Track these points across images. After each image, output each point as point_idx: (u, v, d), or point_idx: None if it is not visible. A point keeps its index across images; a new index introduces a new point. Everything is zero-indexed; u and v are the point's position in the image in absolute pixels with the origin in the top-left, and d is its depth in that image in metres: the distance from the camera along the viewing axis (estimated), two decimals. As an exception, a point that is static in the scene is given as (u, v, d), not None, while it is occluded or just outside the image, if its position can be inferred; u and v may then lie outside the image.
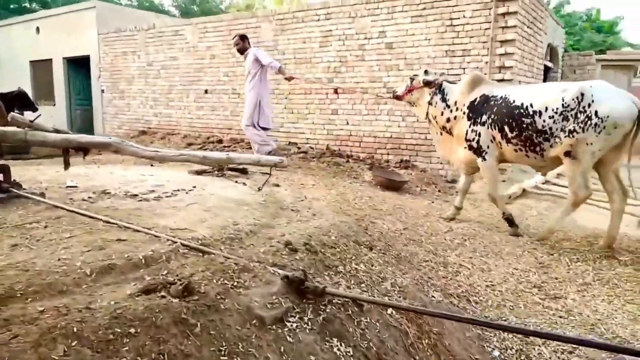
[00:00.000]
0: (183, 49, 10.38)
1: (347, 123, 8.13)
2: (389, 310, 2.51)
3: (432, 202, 5.78)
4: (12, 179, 4.09)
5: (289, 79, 6.95)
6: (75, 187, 4.95)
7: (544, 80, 8.74)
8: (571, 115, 4.21)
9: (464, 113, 4.87)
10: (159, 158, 4.39)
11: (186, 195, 4.58)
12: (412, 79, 5.43)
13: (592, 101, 4.15)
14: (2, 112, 8.49)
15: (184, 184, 5.21)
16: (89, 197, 4.36)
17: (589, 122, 4.13)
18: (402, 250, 3.72)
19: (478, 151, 4.82)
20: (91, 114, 13.27)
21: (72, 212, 3.45)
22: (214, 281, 2.23)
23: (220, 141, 9.24)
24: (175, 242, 2.83)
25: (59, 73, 13.43)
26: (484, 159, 4.80)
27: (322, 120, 8.49)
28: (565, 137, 4.24)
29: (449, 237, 4.41)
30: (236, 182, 5.69)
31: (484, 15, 6.71)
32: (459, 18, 6.91)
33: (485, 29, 6.72)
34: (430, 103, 5.17)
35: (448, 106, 5.03)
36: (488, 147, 4.75)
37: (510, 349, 2.87)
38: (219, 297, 2.11)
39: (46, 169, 6.17)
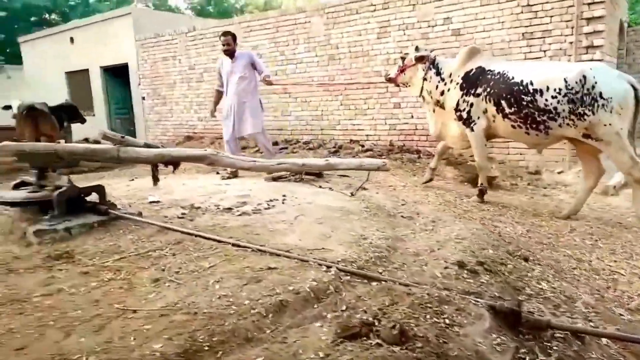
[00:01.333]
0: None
1: (412, 116, 7.72)
2: (604, 341, 2.14)
3: (532, 197, 5.36)
4: (106, 199, 3.83)
5: (269, 83, 6.46)
6: (158, 202, 4.69)
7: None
8: (577, 98, 4.22)
9: (457, 84, 4.90)
10: (257, 168, 4.08)
11: (285, 206, 4.27)
12: (403, 58, 5.46)
13: (595, 83, 4.18)
14: (54, 125, 8.33)
15: (270, 192, 4.90)
16: (183, 214, 4.08)
17: (596, 104, 4.16)
18: (545, 257, 3.32)
19: (467, 121, 4.88)
20: (131, 122, 13.12)
21: (189, 235, 3.16)
22: (421, 319, 1.88)
23: (275, 143, 8.92)
24: (330, 267, 2.49)
25: (96, 83, 13.30)
26: (472, 130, 4.87)
27: (383, 115, 8.10)
28: (578, 120, 4.25)
29: (578, 238, 4.00)
30: (320, 187, 5.36)
31: (566, -9, 6.22)
32: (536, -4, 6.44)
33: (569, 6, 6.21)
34: (424, 78, 5.18)
35: (442, 79, 5.07)
36: (479, 117, 4.81)
37: None
38: (440, 340, 1.76)
39: (113, 182, 5.95)
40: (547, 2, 6.37)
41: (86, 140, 11.28)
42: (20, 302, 2.27)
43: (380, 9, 7.83)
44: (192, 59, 10.79)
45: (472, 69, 4.87)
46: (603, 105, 4.14)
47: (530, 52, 6.54)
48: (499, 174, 5.94)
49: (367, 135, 8.35)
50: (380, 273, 2.54)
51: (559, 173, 6.36)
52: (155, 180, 4.18)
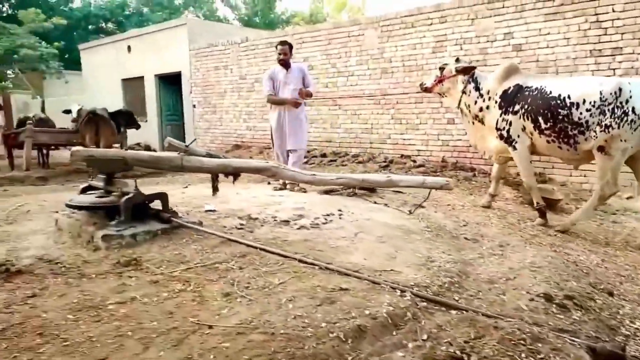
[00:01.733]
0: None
1: (466, 133, 7.51)
2: None
3: (600, 224, 5.06)
4: (169, 207, 3.87)
5: (307, 94, 6.18)
6: (214, 211, 4.72)
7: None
8: (608, 109, 4.22)
9: (496, 102, 4.88)
10: (318, 182, 4.04)
11: (342, 222, 4.19)
12: (441, 69, 5.40)
13: (630, 97, 4.16)
14: (113, 130, 8.63)
15: (324, 206, 4.84)
16: (241, 225, 4.07)
17: (625, 118, 4.15)
18: (629, 292, 3.09)
19: (508, 140, 4.85)
20: (181, 128, 13.45)
21: (254, 248, 3.13)
22: (516, 358, 1.75)
23: (324, 155, 8.91)
24: (404, 291, 2.39)
25: (150, 90, 13.74)
26: (515, 148, 4.83)
27: (436, 131, 7.93)
28: (600, 131, 4.25)
29: (658, 270, 3.71)
30: (375, 202, 5.26)
31: (638, 8, 5.90)
32: (606, 13, 6.14)
33: (642, 23, 5.91)
34: (464, 92, 5.14)
35: (481, 95, 5.04)
36: (519, 136, 4.78)
37: None
38: (540, 383, 1.63)
39: (168, 189, 6.05)
40: (618, 19, 6.08)
41: (138, 145, 11.63)
42: (96, 309, 2.29)
43: (437, 22, 7.71)
44: (244, 69, 10.97)
45: (509, 87, 4.85)
46: (632, 121, 4.15)
47: (599, 69, 6.24)
48: (562, 197, 5.66)
49: (418, 150, 8.19)
50: (457, 301, 2.42)
51: (627, 198, 6.00)
52: (215, 190, 4.20)
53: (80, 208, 3.75)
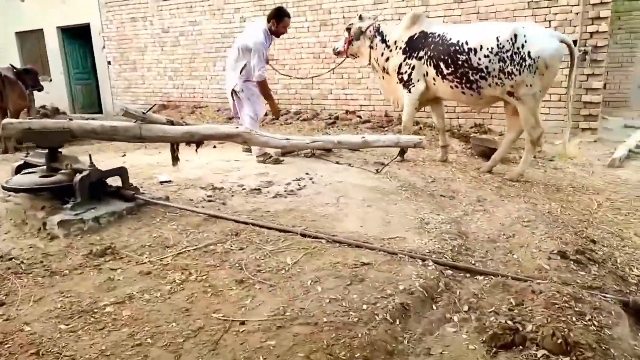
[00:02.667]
0: (206, 12, 9.39)
1: (379, 89, 7.54)
2: None
3: (545, 171, 5.37)
4: (129, 182, 3.46)
5: None
6: (169, 182, 4.34)
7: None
8: (507, 56, 4.33)
9: (401, 48, 4.98)
10: (292, 147, 3.80)
11: (317, 186, 4.03)
12: (348, 29, 5.42)
13: (525, 42, 4.28)
14: (22, 92, 7.50)
15: (290, 170, 4.62)
16: (209, 197, 3.77)
17: (523, 64, 4.28)
18: (602, 238, 3.30)
19: (407, 83, 4.97)
20: (94, 88, 12.16)
21: (244, 224, 2.87)
22: (569, 322, 1.76)
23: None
24: (425, 260, 2.32)
25: (53, 45, 12.12)
26: (410, 91, 4.96)
27: (378, 85, 7.85)
28: (505, 78, 4.37)
29: (609, 213, 4.02)
30: (337, 163, 5.13)
31: (575, -40, 6.11)
32: (543, -36, 6.30)
33: (576, -24, 6.15)
34: (371, 47, 5.21)
35: (388, 46, 5.13)
36: (418, 80, 4.91)
37: None
38: (602, 347, 1.65)
39: (102, 158, 5.45)
40: (554, -29, 6.26)
41: (43, 108, 10.38)
42: (91, 313, 1.96)
43: (376, -28, 7.47)
44: (166, 21, 10.01)
45: (415, 34, 4.94)
46: (530, 65, 4.27)
47: (536, 21, 6.43)
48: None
49: (361, 105, 8.11)
50: (473, 264, 2.41)
51: (558, 144, 6.42)
52: (176, 160, 3.81)
53: (21, 191, 3.22)
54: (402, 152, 5.21)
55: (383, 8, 7.53)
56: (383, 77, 5.43)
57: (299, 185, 4.03)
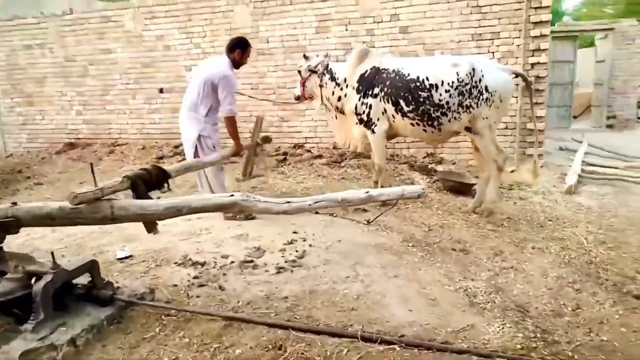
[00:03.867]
0: (121, 39, 8.37)
1: (332, 132, 7.31)
2: None
3: (515, 203, 5.38)
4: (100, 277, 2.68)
5: None
6: (130, 257, 3.57)
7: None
8: (466, 90, 4.36)
9: (354, 87, 4.77)
10: (294, 211, 3.24)
11: (319, 250, 3.50)
12: (299, 72, 5.19)
13: (482, 76, 4.37)
14: None
15: (270, 228, 4.05)
16: (197, 277, 3.10)
17: (481, 97, 4.37)
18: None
19: (368, 124, 4.77)
20: (-22, 125, 10.31)
21: (283, 329, 2.26)
22: None
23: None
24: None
25: None
26: (373, 132, 4.77)
27: (324, 116, 7.52)
28: (463, 112, 4.41)
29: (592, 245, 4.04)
30: (317, 213, 4.63)
31: (513, -5, 6.35)
32: (485, -2, 6.47)
33: (516, 9, 6.37)
34: (321, 86, 5.00)
35: (338, 84, 4.89)
36: (378, 119, 4.72)
37: None
38: None
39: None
40: (495, 4, 6.45)
41: None
42: None
43: (318, 0, 7.18)
44: (71, 49, 8.77)
45: (366, 70, 4.74)
46: (487, 98, 4.36)
47: (480, 53, 6.58)
48: (474, 181, 5.88)
49: (305, 137, 7.71)
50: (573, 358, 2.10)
51: (511, 172, 6.58)
52: (153, 226, 3.05)
53: (-53, 310, 2.30)
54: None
55: (326, 37, 7.25)
56: (336, 117, 5.14)
57: (297, 250, 3.49)
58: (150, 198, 2.97)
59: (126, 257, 3.56)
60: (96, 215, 2.61)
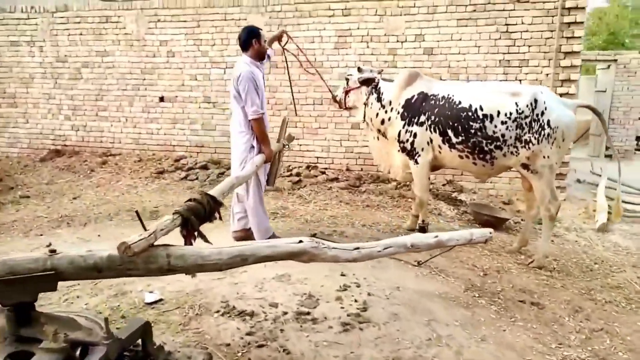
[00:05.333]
0: (120, 42, 7.79)
1: (371, 152, 6.97)
2: None
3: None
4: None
5: None
6: (159, 301, 3.10)
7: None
8: (525, 123, 3.99)
9: (398, 113, 4.46)
10: (364, 258, 2.84)
11: (381, 301, 3.10)
12: (347, 79, 4.88)
13: (545, 109, 4.00)
14: None
15: (317, 269, 3.61)
16: (249, 334, 2.64)
17: (542, 132, 3.98)
18: None
19: (411, 153, 4.44)
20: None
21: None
22: None
23: (204, 167, 7.23)
24: None
25: None
26: (417, 162, 4.42)
27: (339, 136, 7.16)
28: (521, 147, 4.03)
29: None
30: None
31: (546, 23, 6.16)
32: (516, 24, 6.25)
33: (547, 38, 6.19)
34: (365, 104, 4.68)
35: (383, 106, 4.56)
36: (422, 149, 4.38)
37: None
38: None
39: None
40: (526, 31, 6.26)
41: None
42: None
43: (339, 14, 6.84)
44: (63, 49, 8.13)
45: (413, 95, 4.41)
46: (548, 135, 3.98)
47: (507, 80, 6.37)
48: (509, 217, 5.60)
49: (317, 157, 7.31)
50: None
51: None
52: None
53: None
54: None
55: (345, 54, 6.91)
56: (377, 138, 4.84)
57: (356, 300, 3.08)
58: (204, 236, 2.53)
59: (156, 302, 3.08)
60: (151, 266, 2.15)
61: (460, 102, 4.19)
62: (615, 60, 10.53)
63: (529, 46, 6.29)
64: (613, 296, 3.71)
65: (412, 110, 4.38)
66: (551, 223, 4.29)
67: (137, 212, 2.26)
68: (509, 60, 6.39)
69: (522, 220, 5.71)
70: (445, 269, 3.80)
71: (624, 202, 6.71)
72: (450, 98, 4.25)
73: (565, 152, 4.33)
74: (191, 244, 2.51)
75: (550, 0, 6.12)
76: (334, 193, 6.05)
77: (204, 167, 7.16)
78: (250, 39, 3.92)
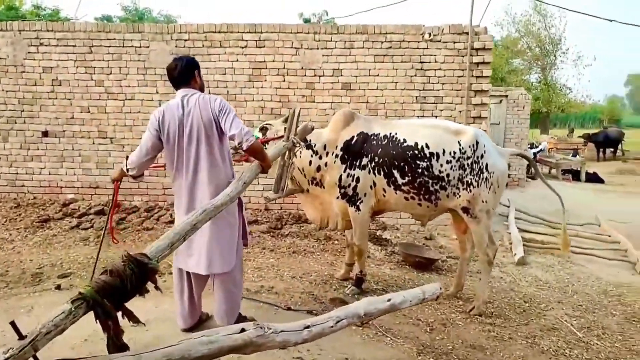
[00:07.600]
0: (-9, 68, 6.62)
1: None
2: None
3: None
4: None
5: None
6: None
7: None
8: (467, 164, 3.88)
9: (337, 156, 4.06)
10: (315, 337, 2.37)
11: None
12: (264, 129, 4.17)
13: (484, 152, 3.92)
14: None
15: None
16: None
17: (481, 175, 3.89)
18: None
19: (352, 199, 4.05)
20: None
21: None
22: None
23: (99, 211, 6.27)
24: None
25: None
26: (358, 209, 4.05)
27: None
28: (463, 189, 3.90)
29: (569, 320, 3.85)
30: (289, 309, 3.71)
31: (457, 62, 6.33)
32: (429, 62, 6.34)
33: (459, 76, 6.36)
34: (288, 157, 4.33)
35: (316, 152, 4.10)
36: (365, 194, 4.04)
37: None
38: None
39: None
40: (439, 69, 6.39)
41: None
42: None
43: (253, 46, 6.44)
44: None
45: (352, 136, 4.05)
46: (486, 179, 3.88)
47: (424, 116, 6.43)
48: (439, 257, 5.50)
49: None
50: None
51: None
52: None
53: None
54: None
55: (260, 87, 6.51)
56: (308, 191, 4.28)
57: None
58: (132, 316, 1.92)
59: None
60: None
61: (405, 141, 3.94)
62: (506, 96, 11.42)
63: (443, 84, 6.42)
64: (554, 342, 3.65)
65: (353, 152, 4.02)
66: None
67: (12, 322, 1.58)
68: (424, 97, 6.46)
69: (447, 258, 5.67)
70: (391, 328, 3.47)
71: (526, 231, 7.06)
72: (393, 137, 3.98)
73: (499, 199, 4.16)
74: (117, 332, 1.89)
75: (460, 40, 6.32)
76: (256, 238, 5.53)
77: (100, 213, 6.20)
78: (191, 70, 3.09)
